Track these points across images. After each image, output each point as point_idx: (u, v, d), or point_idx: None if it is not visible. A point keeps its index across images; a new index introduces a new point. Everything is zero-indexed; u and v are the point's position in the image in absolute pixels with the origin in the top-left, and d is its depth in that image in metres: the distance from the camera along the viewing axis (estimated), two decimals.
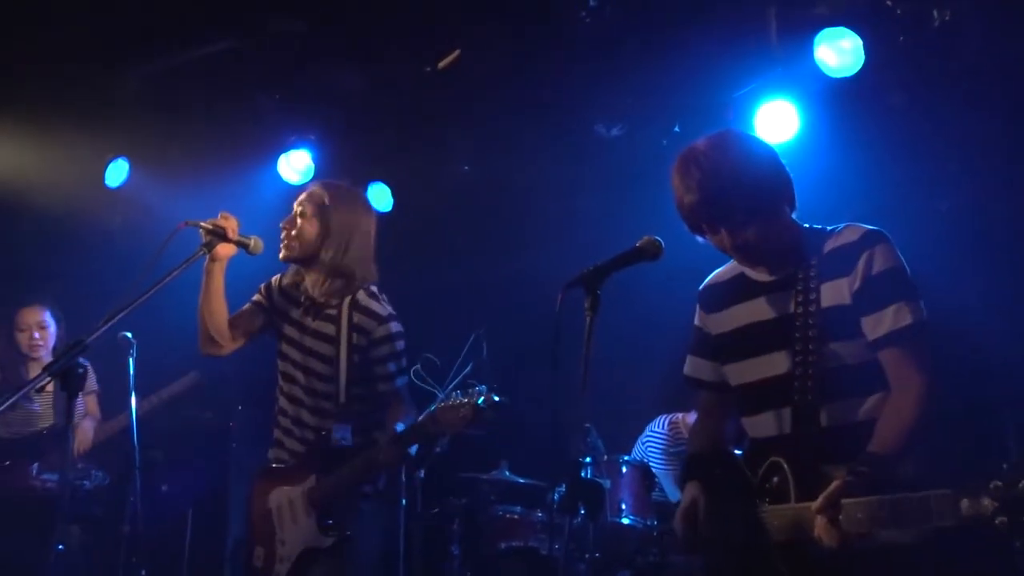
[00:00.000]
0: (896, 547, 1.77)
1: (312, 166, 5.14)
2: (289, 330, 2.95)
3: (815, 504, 1.75)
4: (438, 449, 4.43)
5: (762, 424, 2.06)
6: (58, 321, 4.41)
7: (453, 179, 5.38)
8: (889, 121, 4.14)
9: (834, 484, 1.74)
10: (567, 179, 5.10)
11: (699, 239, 2.08)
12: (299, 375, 2.90)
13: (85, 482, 4.23)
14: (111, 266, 4.71)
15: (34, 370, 4.31)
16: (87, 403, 4.47)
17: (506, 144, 5.03)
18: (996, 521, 1.40)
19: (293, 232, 2.86)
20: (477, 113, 4.87)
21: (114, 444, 4.37)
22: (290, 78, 4.77)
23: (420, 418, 2.72)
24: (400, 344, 2.91)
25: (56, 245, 5.11)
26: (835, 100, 4.15)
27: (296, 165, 5.15)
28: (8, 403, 2.11)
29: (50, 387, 4.13)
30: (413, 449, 2.81)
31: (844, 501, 1.71)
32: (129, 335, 3.99)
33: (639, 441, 5.07)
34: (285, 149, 5.14)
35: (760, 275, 2.10)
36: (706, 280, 2.27)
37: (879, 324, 1.91)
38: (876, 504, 1.65)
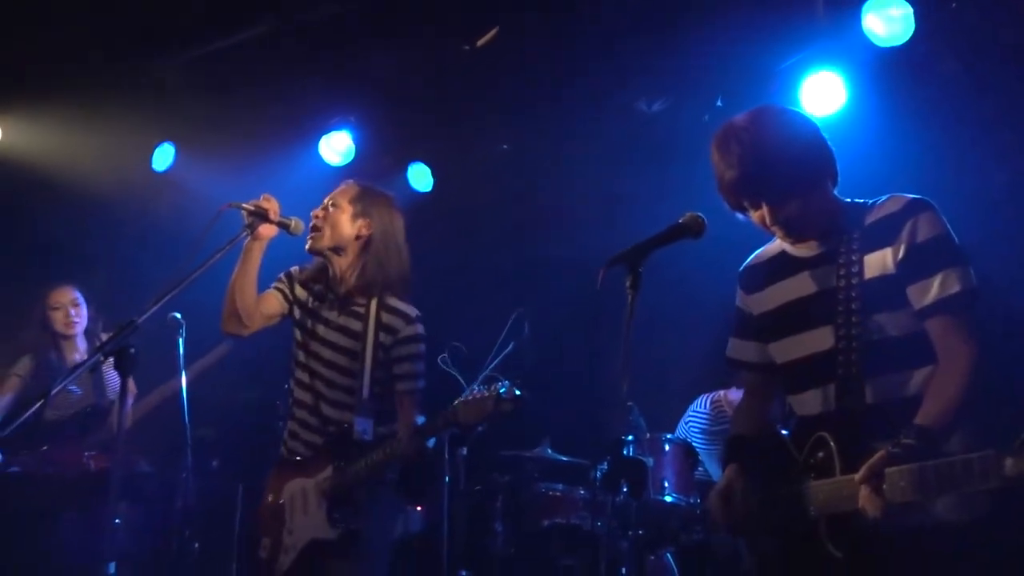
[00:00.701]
0: (944, 524, 1.76)
1: (353, 147, 5.18)
2: (311, 323, 2.93)
3: (858, 475, 1.73)
4: (480, 428, 4.47)
5: (808, 401, 2.04)
6: (87, 301, 4.50)
7: (493, 158, 5.37)
8: (940, 91, 4.01)
9: (877, 454, 1.73)
10: (608, 156, 5.06)
11: (740, 216, 2.07)
12: (321, 369, 2.89)
13: (140, 463, 4.34)
14: (158, 248, 4.82)
15: (69, 350, 4.38)
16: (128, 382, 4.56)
17: (546, 122, 5.00)
18: None
19: (325, 222, 2.86)
20: (517, 91, 4.84)
21: (163, 422, 4.49)
22: (330, 60, 4.80)
23: (442, 412, 2.69)
24: (423, 347, 2.92)
25: (105, 229, 5.23)
26: (884, 71, 4.04)
27: (337, 146, 5.19)
28: (65, 382, 2.18)
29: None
30: (431, 442, 2.81)
31: (887, 470, 1.69)
32: (178, 315, 4.09)
33: (682, 422, 5.04)
34: (326, 131, 5.18)
35: (801, 251, 2.07)
36: (746, 261, 2.25)
37: (925, 292, 1.87)
38: (918, 470, 1.63)
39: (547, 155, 5.21)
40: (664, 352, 4.94)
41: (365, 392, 2.81)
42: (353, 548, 2.74)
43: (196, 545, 4.33)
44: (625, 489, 3.65)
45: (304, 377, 2.92)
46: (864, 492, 1.72)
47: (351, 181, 3.01)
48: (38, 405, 2.10)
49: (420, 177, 5.45)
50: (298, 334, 2.97)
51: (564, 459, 4.42)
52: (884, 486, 1.69)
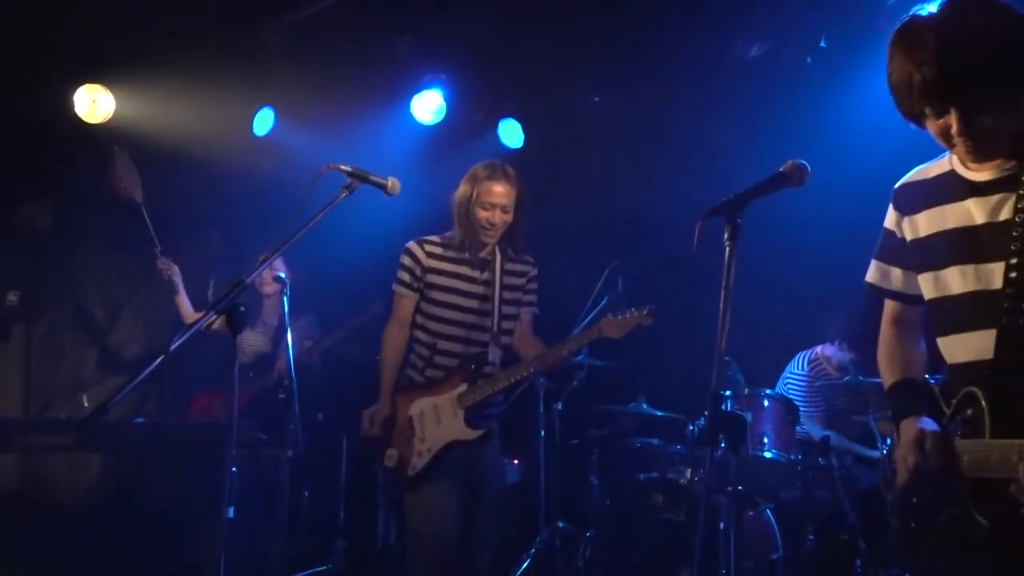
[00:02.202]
0: None
1: (444, 105, 5.20)
2: (461, 285, 3.34)
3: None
4: (575, 383, 4.50)
5: (960, 347, 1.82)
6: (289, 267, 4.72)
7: (584, 111, 5.30)
8: None
9: None
10: (704, 105, 4.91)
11: (913, 125, 1.78)
12: (467, 317, 3.33)
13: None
14: (262, 210, 5.00)
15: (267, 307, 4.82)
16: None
17: (638, 73, 4.89)
18: None
19: (499, 225, 3.30)
20: (607, 41, 4.73)
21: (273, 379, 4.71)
22: (420, 19, 4.80)
23: (586, 328, 3.34)
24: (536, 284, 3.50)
25: (211, 193, 5.45)
26: None
27: (428, 105, 5.22)
28: (181, 339, 2.29)
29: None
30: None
31: None
32: (282, 275, 4.25)
33: (781, 380, 4.93)
34: (417, 90, 5.21)
35: (977, 173, 1.81)
36: (904, 177, 1.99)
37: None
38: None
39: (639, 106, 5.10)
40: (762, 306, 4.81)
41: (496, 326, 3.33)
42: (494, 441, 3.33)
43: (305, 494, 4.56)
44: (724, 444, 3.61)
45: (440, 328, 3.32)
46: None
47: (510, 182, 3.32)
48: (158, 361, 2.22)
49: (511, 133, 5.43)
50: (439, 295, 3.33)
51: (660, 414, 4.41)
52: None
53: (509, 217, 3.33)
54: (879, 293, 2.09)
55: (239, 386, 4.40)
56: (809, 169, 1.99)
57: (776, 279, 4.81)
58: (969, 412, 1.74)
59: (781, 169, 2.00)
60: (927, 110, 1.72)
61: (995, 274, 1.75)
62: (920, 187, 1.94)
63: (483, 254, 3.39)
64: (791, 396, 4.58)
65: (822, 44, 4.32)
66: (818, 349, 4.92)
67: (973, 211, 1.81)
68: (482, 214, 3.29)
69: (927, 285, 1.91)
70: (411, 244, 3.37)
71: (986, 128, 1.69)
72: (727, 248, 1.95)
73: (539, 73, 5.06)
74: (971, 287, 1.80)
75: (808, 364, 4.89)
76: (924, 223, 1.91)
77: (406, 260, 3.35)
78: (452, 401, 3.23)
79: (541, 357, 3.30)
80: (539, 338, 3.51)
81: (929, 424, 1.83)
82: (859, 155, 4.15)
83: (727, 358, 4.09)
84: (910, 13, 1.75)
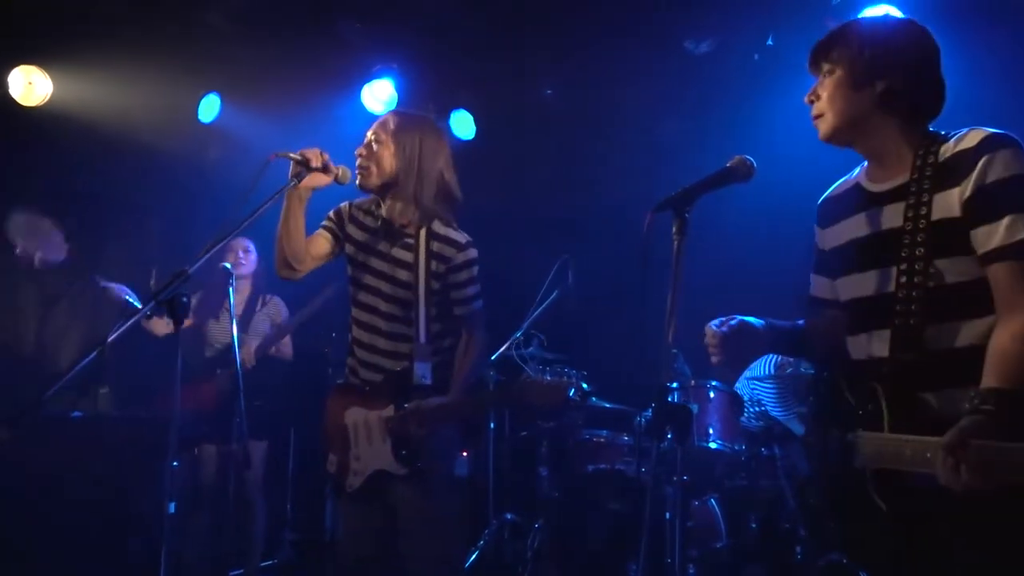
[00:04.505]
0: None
1: (395, 95, 5.15)
2: (367, 258, 2.92)
3: (944, 440, 1.61)
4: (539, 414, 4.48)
5: (861, 345, 1.96)
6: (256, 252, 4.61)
7: (536, 104, 5.30)
8: (1011, 21, 3.83)
9: (965, 421, 1.62)
10: (654, 100, 4.96)
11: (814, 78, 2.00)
12: (380, 303, 2.88)
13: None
14: (208, 198, 4.90)
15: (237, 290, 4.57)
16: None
17: (590, 67, 4.91)
18: None
19: (370, 160, 2.85)
20: (559, 35, 4.74)
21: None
22: (372, 7, 4.75)
23: (506, 388, 2.76)
24: (476, 270, 2.93)
25: (154, 180, 5.32)
26: (942, 2, 3.86)
27: (379, 95, 5.17)
28: (121, 330, 2.23)
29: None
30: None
31: (974, 442, 1.57)
32: (228, 265, 4.16)
33: (745, 383, 4.95)
34: (368, 79, 5.16)
35: (875, 185, 1.97)
36: (824, 194, 2.14)
37: (990, 237, 1.74)
38: (1015, 451, 1.51)
39: (591, 100, 5.13)
40: (709, 299, 4.86)
41: (422, 336, 2.82)
42: (423, 482, 2.80)
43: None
44: (670, 435, 3.65)
45: (364, 315, 2.91)
46: (948, 462, 1.59)
47: (388, 114, 2.96)
48: (96, 352, 2.16)
49: (463, 124, 5.41)
50: (352, 271, 2.96)
51: (608, 406, 4.44)
52: (970, 459, 1.56)
53: (381, 154, 2.83)
54: (818, 305, 2.20)
55: (208, 380, 4.35)
56: (755, 164, 2.03)
57: (723, 272, 4.88)
58: (870, 407, 1.85)
59: (728, 164, 2.04)
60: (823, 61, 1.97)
61: (887, 279, 1.89)
62: (833, 202, 2.10)
63: (396, 219, 2.85)
64: (767, 403, 4.65)
65: (769, 42, 4.40)
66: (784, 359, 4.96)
67: (872, 221, 1.95)
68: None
69: (840, 290, 2.06)
70: (343, 203, 3.03)
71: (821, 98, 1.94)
72: (675, 242, 2.00)
73: (491, 65, 5.05)
74: (868, 291, 1.94)
75: (775, 367, 4.94)
76: (836, 234, 2.06)
77: (331, 214, 3.02)
78: (381, 422, 2.82)
79: (462, 405, 2.83)
80: (481, 343, 2.92)
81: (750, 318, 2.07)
82: (804, 151, 4.23)
83: (674, 350, 4.17)
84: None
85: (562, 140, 5.34)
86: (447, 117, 5.35)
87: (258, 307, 4.64)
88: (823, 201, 2.14)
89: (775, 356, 4.91)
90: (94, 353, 2.14)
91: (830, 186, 2.15)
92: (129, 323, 2.18)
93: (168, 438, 2.43)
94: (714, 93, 4.75)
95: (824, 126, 1.97)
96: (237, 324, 4.34)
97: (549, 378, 2.68)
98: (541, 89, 5.26)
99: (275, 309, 4.65)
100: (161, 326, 4.43)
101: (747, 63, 4.56)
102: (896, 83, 1.89)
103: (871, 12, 4.04)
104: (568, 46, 4.81)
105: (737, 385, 4.91)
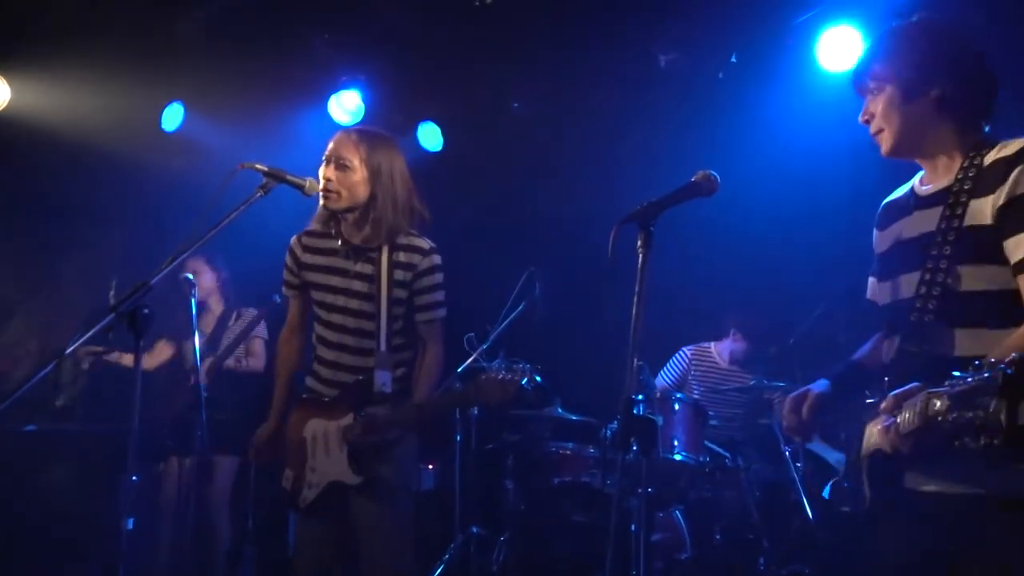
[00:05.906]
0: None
1: (362, 106, 5.14)
2: (330, 279, 2.95)
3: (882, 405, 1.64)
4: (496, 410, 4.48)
5: (886, 348, 1.96)
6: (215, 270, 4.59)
7: (504, 116, 5.32)
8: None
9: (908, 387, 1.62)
10: (620, 113, 5.00)
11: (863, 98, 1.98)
12: (348, 320, 2.91)
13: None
14: (171, 209, 4.83)
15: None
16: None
17: (557, 80, 4.94)
18: None
19: (341, 185, 2.85)
20: (527, 47, 4.78)
21: (180, 381, 4.54)
22: (340, 18, 4.74)
23: (463, 387, 2.78)
24: (442, 276, 2.96)
25: (117, 189, 5.23)
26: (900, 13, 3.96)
27: (346, 105, 5.16)
28: (77, 343, 2.19)
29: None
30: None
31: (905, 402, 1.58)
32: (190, 276, 4.11)
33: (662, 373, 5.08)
34: (336, 89, 5.14)
35: (923, 187, 1.95)
36: (887, 198, 2.11)
37: (1019, 247, 1.70)
38: (927, 394, 1.49)
39: (558, 113, 5.16)
40: (674, 311, 4.93)
41: (383, 344, 2.86)
42: (377, 492, 2.82)
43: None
44: (635, 447, 3.67)
45: (330, 334, 2.94)
46: (875, 422, 1.63)
47: (352, 134, 2.93)
48: (52, 366, 2.12)
49: (430, 136, 5.42)
50: (315, 293, 2.98)
51: (574, 418, 4.45)
52: (899, 417, 1.58)
53: (352, 179, 2.83)
54: (873, 307, 2.12)
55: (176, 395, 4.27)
56: (719, 180, 2.06)
57: (690, 285, 4.94)
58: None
59: (692, 179, 2.07)
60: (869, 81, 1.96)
61: (913, 284, 1.85)
62: (890, 205, 2.07)
63: (358, 239, 2.90)
64: (664, 379, 4.85)
65: (733, 59, 4.47)
66: (705, 344, 5.10)
67: (913, 225, 1.93)
68: (320, 172, 2.86)
69: (879, 294, 2.03)
70: (293, 239, 3.04)
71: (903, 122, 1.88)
72: (640, 255, 2.02)
73: (459, 77, 5.06)
74: (896, 296, 1.92)
75: (691, 353, 5.06)
76: (883, 238, 2.03)
77: (287, 257, 3.04)
78: (339, 432, 2.85)
79: (420, 408, 2.86)
80: (440, 352, 2.97)
81: (822, 386, 1.99)
82: (767, 166, 4.31)
83: (640, 362, 4.21)
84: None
85: (529, 152, 5.36)
86: (415, 128, 5.35)
87: (231, 322, 4.59)
88: (883, 205, 2.10)
89: (695, 345, 5.05)
90: (50, 366, 2.09)
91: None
92: (88, 334, 2.14)
93: (127, 453, 2.38)
94: (680, 109, 4.81)
95: (885, 143, 1.94)
96: (207, 341, 4.30)
97: (503, 374, 2.72)
98: (508, 101, 5.28)
99: (251, 319, 4.59)
100: (125, 358, 4.43)
101: (712, 79, 4.63)
102: (949, 87, 1.85)
103: (832, 31, 4.12)
104: (535, 58, 4.84)
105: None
